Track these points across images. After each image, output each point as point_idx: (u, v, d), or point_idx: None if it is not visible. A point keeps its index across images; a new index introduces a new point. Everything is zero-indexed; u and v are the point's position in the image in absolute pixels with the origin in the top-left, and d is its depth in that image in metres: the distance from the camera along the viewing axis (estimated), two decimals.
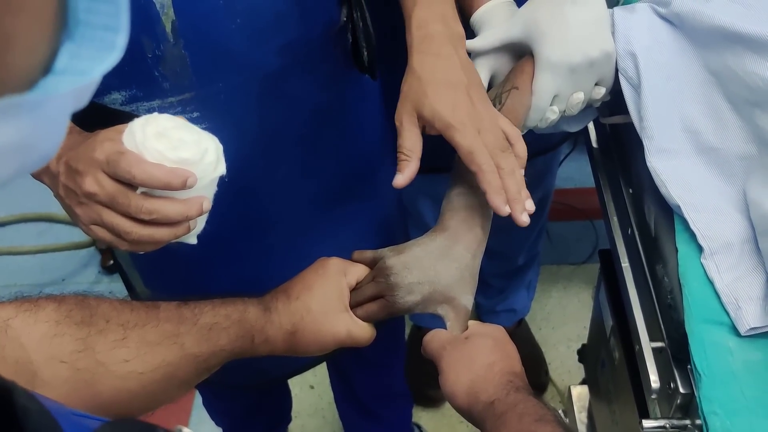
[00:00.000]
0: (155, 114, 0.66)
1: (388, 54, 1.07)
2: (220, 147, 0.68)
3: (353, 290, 0.79)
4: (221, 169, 0.68)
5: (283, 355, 0.77)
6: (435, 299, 0.76)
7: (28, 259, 2.04)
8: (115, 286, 2.02)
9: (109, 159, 0.63)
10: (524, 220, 0.76)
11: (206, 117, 0.76)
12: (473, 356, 0.71)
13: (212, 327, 0.69)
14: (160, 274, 1.01)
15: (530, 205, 0.77)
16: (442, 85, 0.76)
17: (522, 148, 0.80)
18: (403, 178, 0.77)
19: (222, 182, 0.78)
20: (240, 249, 0.95)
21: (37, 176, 0.70)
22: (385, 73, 1.05)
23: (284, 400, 1.50)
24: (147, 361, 0.64)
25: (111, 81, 0.75)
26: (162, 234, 0.67)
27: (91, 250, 2.05)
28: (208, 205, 0.68)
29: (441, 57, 0.76)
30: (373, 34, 0.87)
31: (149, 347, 0.65)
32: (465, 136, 0.74)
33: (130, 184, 0.64)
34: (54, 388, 0.57)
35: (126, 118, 0.67)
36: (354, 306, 0.78)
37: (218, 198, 0.85)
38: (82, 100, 0.25)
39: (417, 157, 0.78)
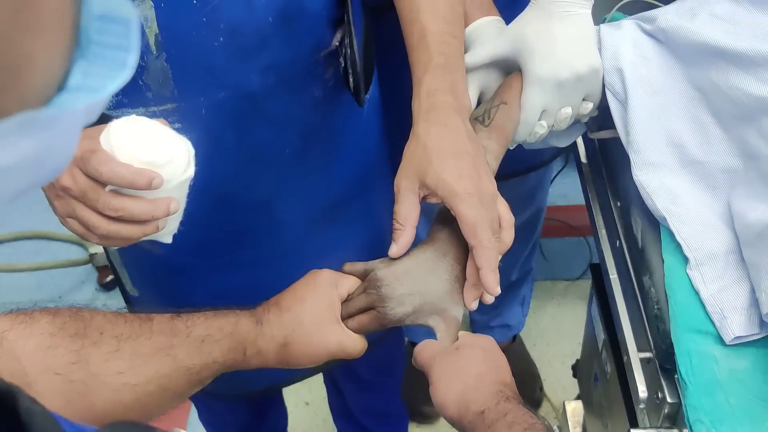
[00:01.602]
0: (133, 116, 0.68)
1: (388, 76, 1.09)
2: (192, 150, 0.70)
3: (344, 302, 0.79)
4: (191, 171, 0.69)
5: (275, 368, 0.77)
6: (426, 310, 0.77)
7: (25, 276, 2.04)
8: (111, 303, 2.01)
9: (83, 156, 0.66)
10: (489, 300, 0.78)
11: (187, 129, 0.78)
12: (463, 366, 0.72)
13: (205, 339, 0.70)
14: (145, 277, 1.03)
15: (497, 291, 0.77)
16: (449, 154, 0.75)
17: (509, 237, 0.79)
18: (397, 248, 0.78)
19: (201, 192, 0.81)
20: (223, 260, 0.96)
21: None
22: (385, 93, 1.07)
23: (279, 416, 1.50)
24: (140, 373, 0.65)
25: None
26: (129, 231, 0.69)
27: (87, 268, 2.06)
28: (176, 206, 0.70)
29: (448, 127, 0.77)
30: (360, 61, 0.88)
31: (142, 359, 0.65)
32: (470, 207, 0.74)
33: (101, 182, 0.67)
34: (48, 400, 0.58)
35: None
36: (345, 318, 0.79)
37: (198, 208, 0.85)
38: (93, 116, 0.26)
39: (412, 226, 0.78)
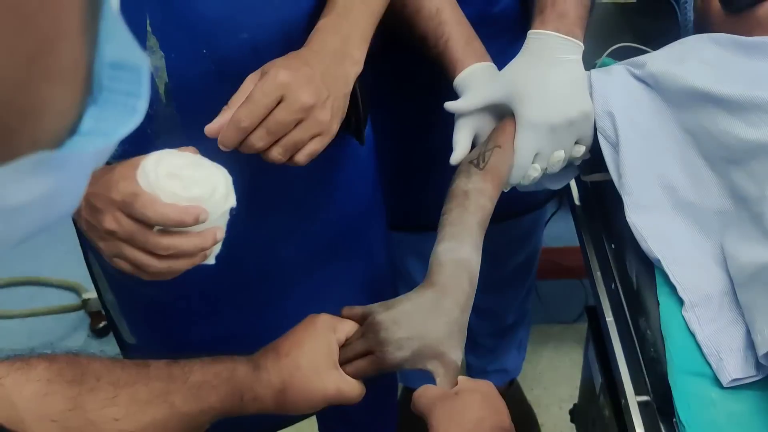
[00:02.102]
0: (166, 150, 0.69)
1: (380, 118, 1.10)
2: (230, 179, 0.71)
3: (343, 347, 0.79)
4: (232, 200, 0.71)
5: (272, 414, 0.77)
6: (424, 354, 0.77)
7: (18, 323, 2.03)
8: (104, 349, 2.00)
9: (125, 200, 0.67)
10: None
11: None
12: (463, 412, 0.72)
13: (202, 385, 0.70)
14: (145, 324, 1.02)
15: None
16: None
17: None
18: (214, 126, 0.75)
19: None
20: (223, 303, 0.97)
21: None
22: (379, 136, 1.09)
23: None
24: (137, 419, 0.64)
25: None
26: (180, 265, 0.70)
27: (80, 314, 2.04)
28: (221, 234, 0.71)
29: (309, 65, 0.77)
30: (361, 101, 0.90)
31: (139, 406, 0.65)
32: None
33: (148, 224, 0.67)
34: None
35: None
36: (344, 363, 0.78)
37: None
38: (102, 159, 0.27)
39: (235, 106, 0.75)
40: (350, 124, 0.92)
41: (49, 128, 0.24)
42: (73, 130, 0.25)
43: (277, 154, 0.75)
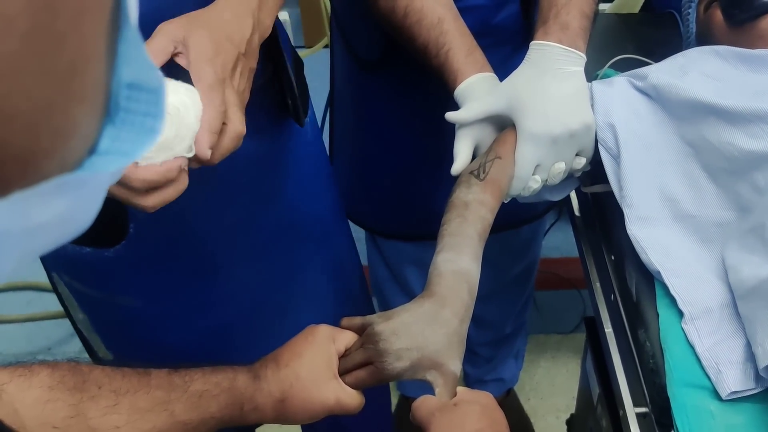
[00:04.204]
0: None
1: (376, 126, 1.11)
2: (193, 93, 0.68)
3: (342, 357, 0.79)
4: (198, 119, 0.68)
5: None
6: (423, 365, 0.77)
7: (16, 327, 2.03)
8: None
9: None
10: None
11: None
12: (462, 423, 0.72)
13: (202, 395, 0.70)
14: (118, 336, 1.03)
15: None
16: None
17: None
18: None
19: (165, 227, 0.84)
20: (197, 301, 0.97)
21: None
22: (378, 144, 1.10)
23: None
24: (138, 427, 0.64)
25: None
26: (172, 192, 0.69)
27: None
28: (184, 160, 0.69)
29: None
30: (295, 86, 0.92)
31: (140, 414, 0.65)
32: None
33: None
34: None
35: None
36: (343, 373, 0.78)
37: (164, 246, 0.88)
38: (117, 177, 0.27)
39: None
40: (288, 107, 0.94)
41: (75, 150, 0.25)
42: (91, 149, 0.25)
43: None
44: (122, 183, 0.67)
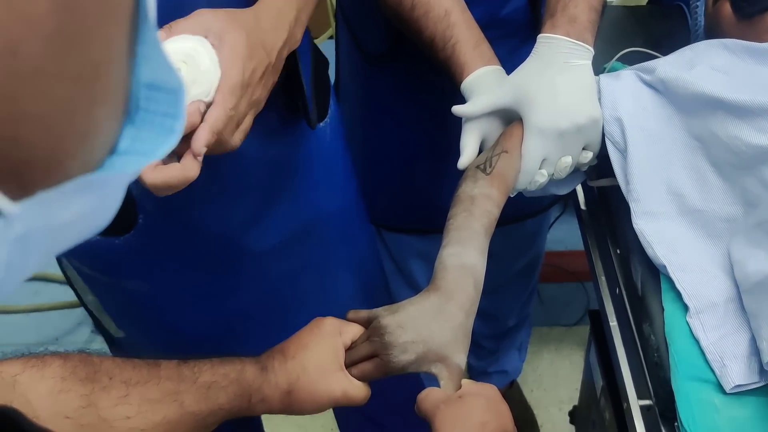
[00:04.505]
0: None
1: (388, 119, 1.11)
2: (214, 71, 0.69)
3: (348, 349, 0.80)
4: (216, 66, 0.69)
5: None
6: (429, 358, 0.78)
7: (23, 317, 2.04)
8: (107, 345, 2.01)
9: None
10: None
11: None
12: (467, 415, 0.72)
13: (211, 386, 0.70)
14: (129, 317, 1.03)
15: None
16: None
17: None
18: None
19: (175, 224, 0.84)
20: (201, 290, 0.98)
21: None
22: (384, 137, 1.10)
23: None
24: (148, 418, 0.65)
25: None
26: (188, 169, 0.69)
27: (84, 310, 2.05)
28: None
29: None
30: (308, 88, 0.91)
31: (150, 405, 0.66)
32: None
33: None
34: None
35: None
36: (349, 365, 0.79)
37: (173, 240, 0.88)
38: (136, 175, 0.28)
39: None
40: (298, 108, 0.93)
41: (97, 150, 0.25)
42: (111, 149, 0.26)
43: (237, 140, 0.74)
44: None
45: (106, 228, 0.83)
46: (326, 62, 1.02)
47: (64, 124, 0.23)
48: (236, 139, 0.73)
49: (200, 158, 0.68)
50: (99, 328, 1.10)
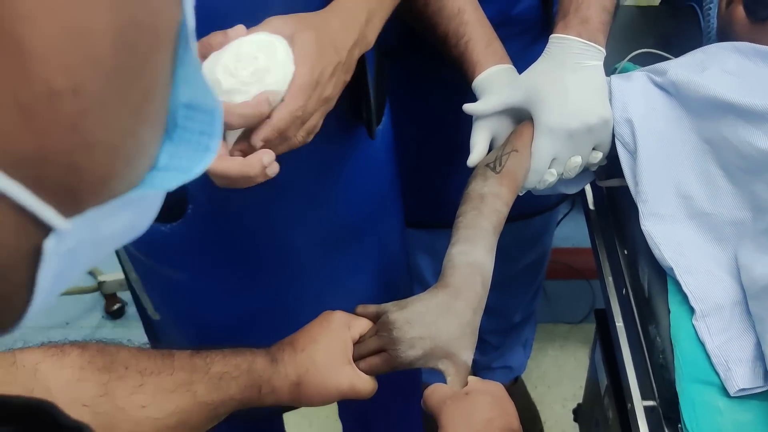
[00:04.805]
0: (217, 53, 0.70)
1: (399, 114, 1.11)
2: (289, 63, 0.71)
3: (356, 344, 0.81)
4: (284, 87, 0.71)
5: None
6: (436, 354, 0.78)
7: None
8: (117, 331, 2.03)
9: None
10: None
11: None
12: (473, 412, 0.73)
13: (222, 376, 0.72)
14: (166, 301, 1.05)
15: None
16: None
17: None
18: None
19: (219, 217, 0.86)
20: (240, 284, 0.99)
21: None
22: (396, 132, 1.10)
23: None
24: (162, 407, 0.67)
25: None
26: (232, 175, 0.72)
27: (95, 295, 2.07)
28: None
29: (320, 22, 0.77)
30: (373, 94, 0.91)
31: (164, 394, 0.67)
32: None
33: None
34: None
35: None
36: (357, 359, 0.80)
37: (217, 233, 0.89)
38: (178, 185, 0.29)
39: None
40: (360, 113, 0.93)
41: (141, 169, 0.26)
42: (152, 165, 0.27)
43: (300, 138, 0.76)
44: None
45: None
46: (385, 62, 1.01)
47: (117, 149, 0.24)
48: (300, 137, 0.75)
49: (267, 161, 0.71)
50: (138, 307, 1.12)
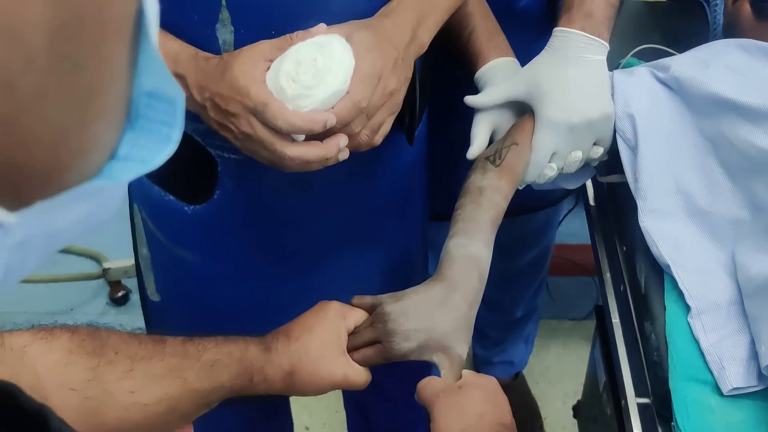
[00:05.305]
0: (277, 60, 0.73)
1: (437, 112, 1.11)
2: (348, 59, 0.73)
3: (351, 334, 0.81)
4: (347, 83, 0.74)
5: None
6: (430, 347, 0.78)
7: (40, 287, 2.07)
8: (122, 318, 2.04)
9: (257, 108, 0.73)
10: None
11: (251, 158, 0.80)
12: (465, 405, 0.73)
13: (214, 364, 0.72)
14: (172, 283, 1.05)
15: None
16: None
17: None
18: None
19: (246, 208, 0.88)
20: (253, 272, 0.99)
21: None
22: (431, 129, 1.09)
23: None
24: (151, 393, 0.67)
25: None
26: (312, 167, 0.76)
27: (100, 282, 2.08)
28: (333, 120, 0.74)
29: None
30: (419, 99, 0.91)
31: (154, 380, 0.67)
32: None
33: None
34: (63, 414, 0.60)
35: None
36: (351, 350, 0.80)
37: (241, 222, 0.90)
38: (136, 177, 0.29)
39: None
40: (404, 122, 0.93)
41: (95, 160, 0.26)
42: (111, 155, 0.27)
43: (364, 136, 0.78)
44: (269, 125, 0.72)
45: (183, 192, 0.86)
46: (431, 74, 1.01)
47: (62, 144, 0.24)
48: (365, 135, 0.77)
49: (342, 144, 0.75)
50: (139, 285, 1.13)
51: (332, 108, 0.74)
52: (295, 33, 0.75)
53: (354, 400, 1.45)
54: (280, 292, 1.00)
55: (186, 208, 0.92)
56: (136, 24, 0.26)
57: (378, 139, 0.80)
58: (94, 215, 0.27)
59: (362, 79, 0.74)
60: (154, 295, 1.08)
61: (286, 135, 0.74)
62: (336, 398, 1.71)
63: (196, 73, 0.76)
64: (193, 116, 0.81)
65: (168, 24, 0.75)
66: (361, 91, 0.74)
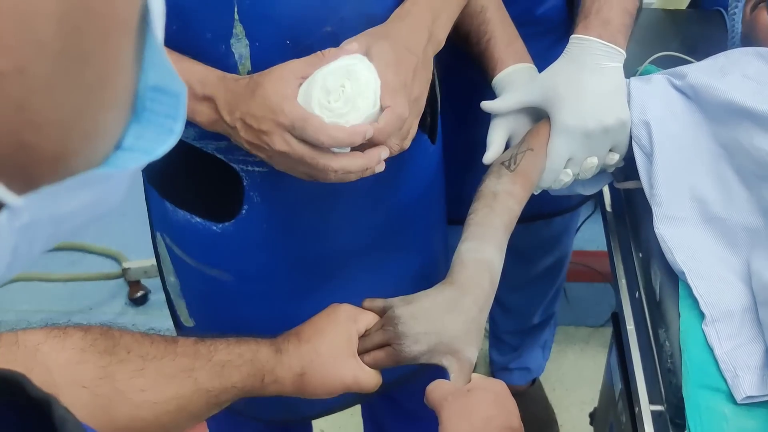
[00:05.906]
0: (312, 77, 0.74)
1: (455, 116, 1.11)
2: (374, 80, 0.75)
3: (362, 337, 0.81)
4: (377, 105, 0.75)
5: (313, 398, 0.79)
6: (440, 350, 0.79)
7: (59, 286, 2.09)
8: (139, 318, 2.06)
9: (295, 125, 0.73)
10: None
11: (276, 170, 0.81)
12: (473, 409, 0.73)
13: (225, 364, 0.73)
14: (202, 305, 1.05)
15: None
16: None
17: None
18: None
19: (272, 219, 0.88)
20: (284, 287, 0.98)
21: (200, 122, 0.78)
22: (449, 133, 1.10)
23: None
24: (162, 392, 0.67)
25: None
26: (351, 177, 0.77)
27: (120, 282, 2.10)
28: (371, 131, 0.75)
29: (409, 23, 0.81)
30: (439, 99, 0.91)
31: (165, 379, 0.68)
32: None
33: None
34: (74, 411, 0.61)
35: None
36: (362, 352, 0.80)
37: (267, 234, 0.91)
38: (139, 170, 0.30)
39: None
40: (425, 123, 0.93)
41: (102, 148, 0.27)
42: (117, 145, 0.28)
43: (394, 144, 0.79)
44: (308, 140, 0.73)
45: (209, 212, 0.86)
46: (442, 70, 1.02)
47: (70, 129, 0.25)
48: (396, 144, 0.78)
49: (384, 155, 0.77)
50: (172, 313, 1.13)
51: (377, 122, 0.75)
52: (328, 50, 0.76)
53: (370, 414, 1.45)
54: (309, 303, 1.00)
55: (214, 227, 0.92)
56: (142, 20, 0.27)
57: (407, 143, 0.81)
58: (99, 203, 0.28)
59: (394, 92, 0.75)
60: (188, 321, 1.08)
61: (326, 149, 0.74)
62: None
63: (226, 94, 0.76)
64: (213, 135, 0.81)
65: (180, 44, 0.75)
66: (401, 104, 0.76)
